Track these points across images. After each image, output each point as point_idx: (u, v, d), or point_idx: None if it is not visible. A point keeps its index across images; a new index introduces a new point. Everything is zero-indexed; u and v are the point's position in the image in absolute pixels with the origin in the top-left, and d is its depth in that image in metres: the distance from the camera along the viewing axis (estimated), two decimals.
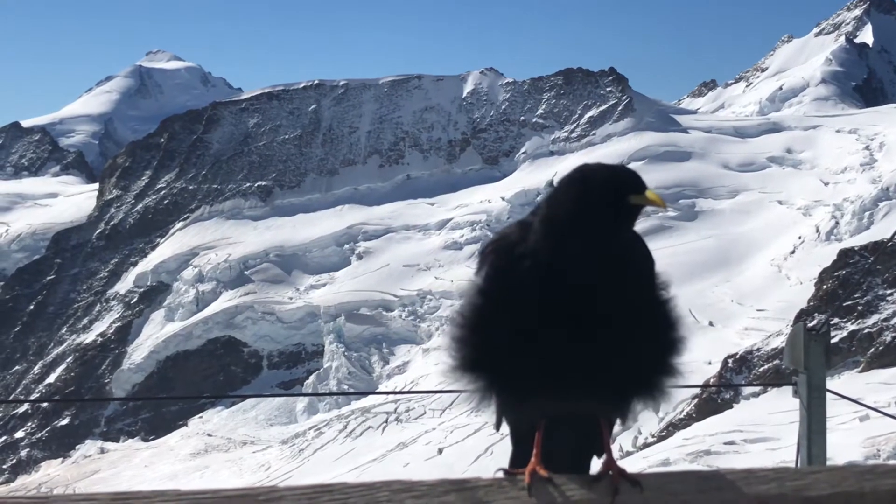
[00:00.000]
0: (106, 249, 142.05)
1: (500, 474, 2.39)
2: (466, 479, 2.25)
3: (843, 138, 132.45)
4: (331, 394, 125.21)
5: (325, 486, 2.17)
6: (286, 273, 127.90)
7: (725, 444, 57.48)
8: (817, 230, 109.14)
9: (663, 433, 71.12)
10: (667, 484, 2.31)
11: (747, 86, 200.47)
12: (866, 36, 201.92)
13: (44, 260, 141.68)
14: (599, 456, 2.70)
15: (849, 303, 75.36)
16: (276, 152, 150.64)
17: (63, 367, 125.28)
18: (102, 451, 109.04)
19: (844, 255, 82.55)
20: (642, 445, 69.92)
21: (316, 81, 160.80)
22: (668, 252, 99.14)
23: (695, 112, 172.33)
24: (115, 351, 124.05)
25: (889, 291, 76.76)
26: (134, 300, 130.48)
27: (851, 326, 75.38)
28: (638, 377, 2.46)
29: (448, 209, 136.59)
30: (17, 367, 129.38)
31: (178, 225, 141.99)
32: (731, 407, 69.22)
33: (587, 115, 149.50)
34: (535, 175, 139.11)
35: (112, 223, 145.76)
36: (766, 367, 75.91)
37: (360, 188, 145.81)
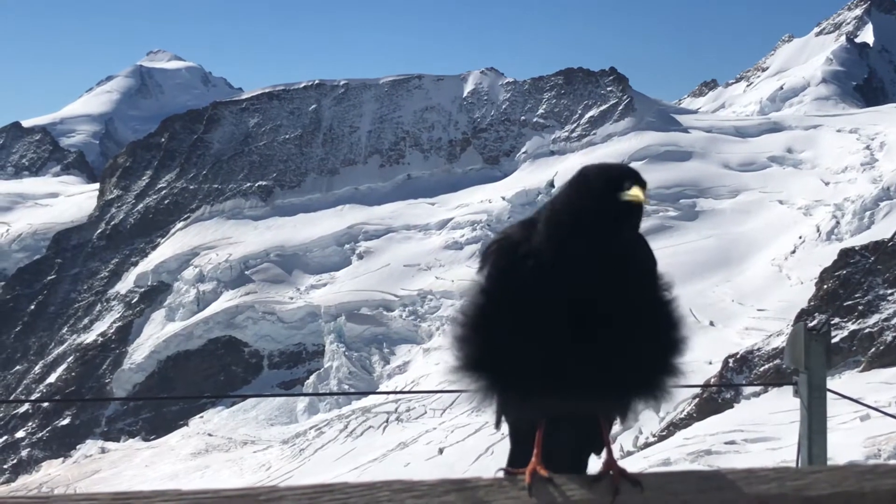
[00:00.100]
0: (107, 249, 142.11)
1: (501, 474, 2.39)
2: (467, 479, 2.24)
3: (843, 138, 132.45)
4: (331, 394, 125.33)
5: (325, 486, 2.16)
6: (287, 273, 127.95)
7: (726, 443, 57.54)
8: (818, 230, 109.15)
9: (664, 433, 71.16)
10: (667, 484, 2.31)
11: (748, 85, 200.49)
12: (867, 35, 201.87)
13: (44, 260, 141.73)
14: (598, 454, 2.71)
15: (849, 302, 75.40)
16: (277, 152, 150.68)
17: (64, 366, 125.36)
18: (103, 450, 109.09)
19: (845, 254, 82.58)
20: (643, 445, 69.95)
21: (316, 81, 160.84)
22: (669, 252, 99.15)
23: (695, 112, 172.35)
24: (116, 351, 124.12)
25: (890, 291, 76.76)
26: (135, 300, 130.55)
27: (852, 326, 75.39)
28: (640, 377, 2.46)
29: (449, 209, 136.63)
30: (17, 367, 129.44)
31: (179, 225, 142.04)
32: (732, 407, 69.25)
33: (588, 115, 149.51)
34: (536, 175, 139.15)
35: (113, 223, 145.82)
36: (766, 366, 75.95)
37: (361, 188, 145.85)
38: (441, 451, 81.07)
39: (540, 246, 2.41)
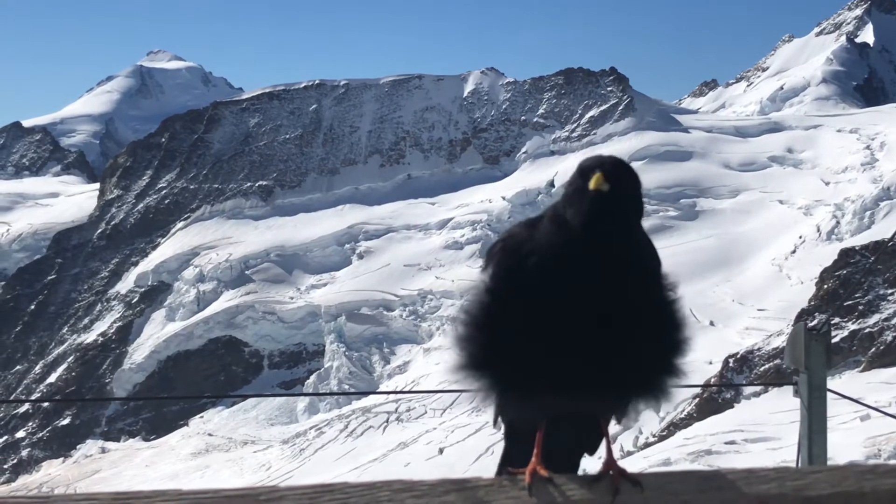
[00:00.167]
0: (107, 249, 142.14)
1: (505, 474, 2.39)
2: (467, 479, 2.24)
3: (843, 138, 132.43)
4: (331, 394, 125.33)
5: (326, 486, 2.16)
6: (287, 273, 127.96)
7: (726, 443, 57.53)
8: (818, 230, 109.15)
9: (664, 433, 71.16)
10: (667, 484, 2.31)
11: (748, 85, 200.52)
12: (867, 35, 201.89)
13: (45, 260, 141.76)
14: (591, 454, 2.73)
15: (850, 302, 75.39)
16: (277, 152, 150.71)
17: (64, 366, 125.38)
18: (103, 450, 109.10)
19: (845, 254, 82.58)
20: (643, 445, 69.96)
21: (317, 81, 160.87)
22: (669, 252, 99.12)
23: (696, 112, 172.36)
24: (116, 351, 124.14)
25: (890, 291, 76.76)
26: (135, 300, 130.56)
27: (852, 326, 75.39)
28: (642, 377, 2.46)
29: (449, 209, 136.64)
30: (18, 367, 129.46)
31: (179, 224, 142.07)
32: (732, 407, 69.25)
33: (588, 115, 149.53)
34: (536, 175, 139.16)
35: (113, 223, 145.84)
36: (766, 366, 75.94)
37: (361, 188, 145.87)
38: (441, 451, 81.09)
39: (544, 245, 2.41)
